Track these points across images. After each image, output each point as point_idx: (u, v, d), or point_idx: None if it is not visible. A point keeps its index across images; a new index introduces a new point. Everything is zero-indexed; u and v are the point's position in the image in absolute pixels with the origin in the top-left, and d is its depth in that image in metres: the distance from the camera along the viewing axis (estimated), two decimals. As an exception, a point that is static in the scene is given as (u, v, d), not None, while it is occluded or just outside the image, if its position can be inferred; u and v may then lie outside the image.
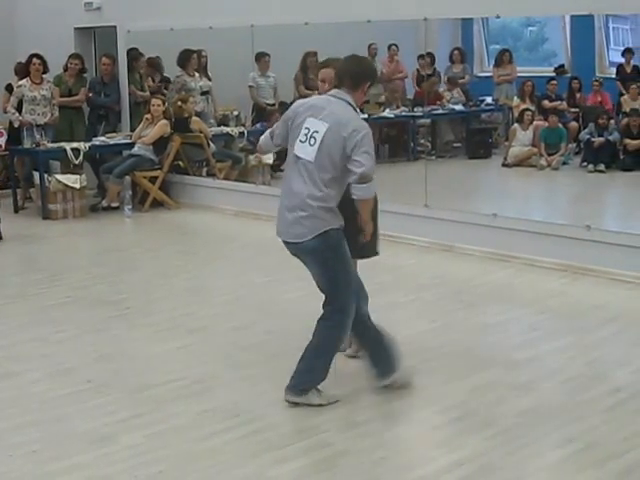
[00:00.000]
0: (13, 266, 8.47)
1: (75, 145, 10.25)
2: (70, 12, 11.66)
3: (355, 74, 4.64)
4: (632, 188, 10.27)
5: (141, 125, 10.55)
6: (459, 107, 12.11)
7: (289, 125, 4.68)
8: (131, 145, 10.53)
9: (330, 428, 4.47)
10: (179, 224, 10.03)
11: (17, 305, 6.84)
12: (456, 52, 12.15)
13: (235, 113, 11.55)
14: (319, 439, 4.35)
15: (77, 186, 10.12)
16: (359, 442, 4.32)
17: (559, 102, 11.82)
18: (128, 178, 10.30)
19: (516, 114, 11.64)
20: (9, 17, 12.52)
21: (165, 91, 11.32)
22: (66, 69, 10.93)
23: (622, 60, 11.63)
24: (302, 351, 4.73)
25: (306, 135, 4.55)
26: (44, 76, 10.48)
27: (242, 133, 11.08)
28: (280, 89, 11.14)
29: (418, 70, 11.86)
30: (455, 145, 12.34)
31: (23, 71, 10.58)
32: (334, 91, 4.67)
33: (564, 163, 11.14)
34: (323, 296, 4.72)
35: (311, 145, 4.52)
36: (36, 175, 10.15)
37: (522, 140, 11.27)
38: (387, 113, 11.65)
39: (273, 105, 11.02)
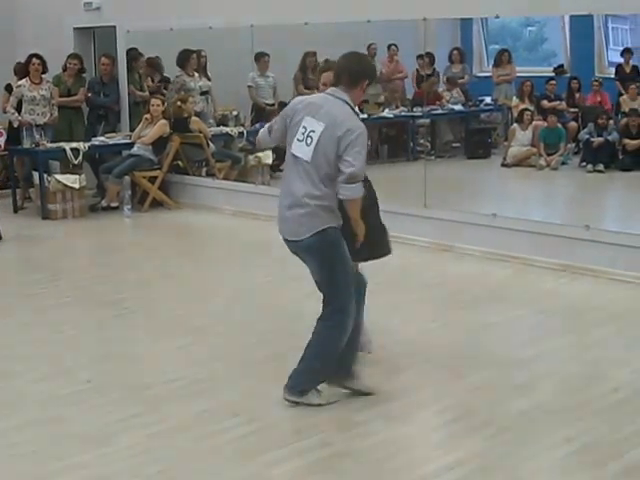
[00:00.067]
0: (13, 266, 8.47)
1: (74, 145, 10.25)
2: (69, 12, 11.67)
3: (353, 72, 4.59)
4: (631, 188, 10.27)
5: (140, 125, 10.55)
6: (458, 107, 12.10)
7: (287, 122, 4.67)
8: (130, 145, 10.53)
9: (329, 428, 4.47)
10: (178, 224, 10.03)
11: (17, 305, 6.84)
12: (455, 52, 12.14)
13: (234, 113, 11.55)
14: (319, 439, 4.35)
15: (76, 186, 10.12)
16: (359, 442, 4.32)
17: (558, 102, 11.81)
18: (127, 178, 10.30)
19: (515, 114, 11.63)
20: (9, 17, 12.52)
21: (164, 91, 11.32)
22: (65, 69, 10.94)
23: (621, 60, 11.62)
24: (302, 351, 4.73)
25: (303, 134, 4.54)
26: (43, 76, 10.48)
27: (241, 133, 11.07)
28: (279, 89, 11.13)
29: (417, 70, 11.85)
30: (454, 145, 12.33)
31: (22, 71, 10.59)
32: (332, 89, 4.64)
33: (563, 163, 11.14)
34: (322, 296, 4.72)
35: (308, 145, 4.51)
36: (35, 175, 10.15)
37: (521, 140, 11.26)
38: (386, 113, 11.64)
39: (272, 105, 11.01)
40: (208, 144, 10.68)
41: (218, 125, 11.37)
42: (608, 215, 9.51)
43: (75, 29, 11.80)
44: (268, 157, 10.84)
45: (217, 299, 6.88)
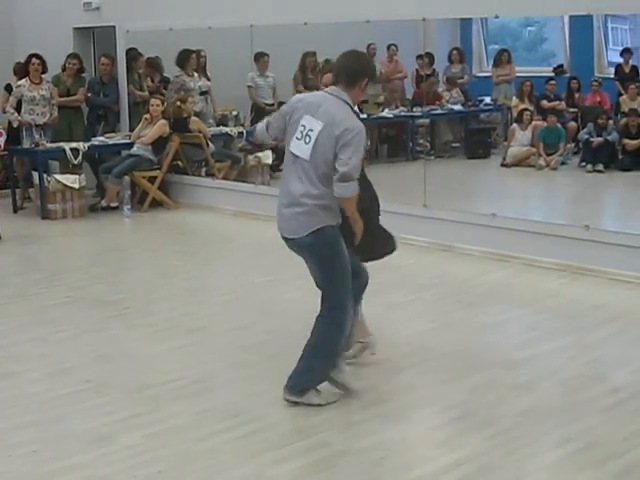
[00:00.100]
0: (12, 266, 8.46)
1: (74, 145, 10.25)
2: (69, 12, 11.67)
3: (352, 71, 4.58)
4: (631, 188, 10.27)
5: (140, 125, 10.55)
6: (458, 107, 12.10)
7: (287, 120, 4.66)
8: (130, 145, 10.53)
9: (329, 428, 4.47)
10: (178, 224, 10.03)
11: (16, 305, 6.84)
12: (455, 52, 12.14)
13: (234, 113, 11.55)
14: (318, 439, 4.35)
15: (76, 186, 10.12)
16: (358, 442, 4.32)
17: (558, 102, 11.81)
18: (127, 178, 10.30)
19: (515, 114, 11.63)
20: (8, 17, 12.53)
21: (164, 91, 11.32)
22: (64, 69, 10.94)
23: (621, 60, 11.62)
24: (302, 351, 4.73)
25: (302, 133, 4.53)
26: (43, 76, 10.48)
27: (241, 133, 11.07)
28: (279, 89, 11.13)
29: (417, 70, 11.85)
30: (454, 145, 12.33)
31: (22, 71, 10.58)
32: (331, 88, 4.63)
33: (563, 163, 11.14)
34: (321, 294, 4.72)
35: (306, 143, 4.51)
36: (35, 175, 10.15)
37: (521, 140, 11.26)
38: (386, 113, 11.64)
39: (272, 105, 10.99)
40: (208, 144, 10.68)
41: (218, 125, 11.37)
42: (608, 215, 9.51)
43: (75, 29, 11.80)
44: (268, 157, 10.84)
45: (217, 299, 6.88)
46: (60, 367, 5.40)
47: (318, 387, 4.73)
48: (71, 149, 10.16)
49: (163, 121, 10.35)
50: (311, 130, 4.50)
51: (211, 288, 7.24)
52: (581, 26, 11.29)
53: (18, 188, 10.80)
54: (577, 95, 11.85)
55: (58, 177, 10.06)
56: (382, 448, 4.24)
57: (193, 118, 10.66)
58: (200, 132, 10.60)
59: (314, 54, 10.68)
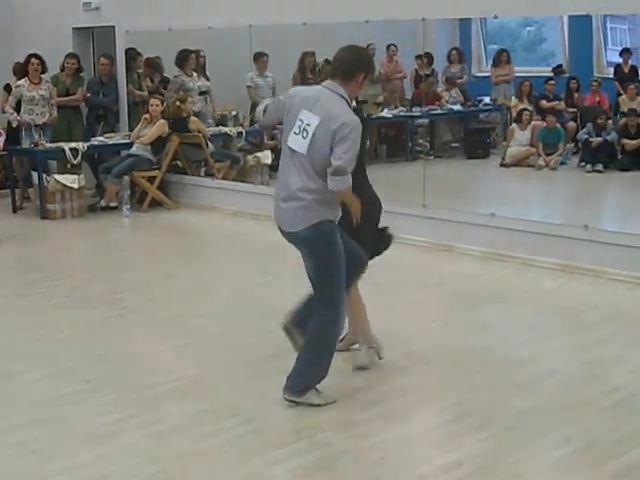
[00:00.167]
0: (12, 266, 8.46)
1: (73, 145, 10.24)
2: (68, 12, 11.66)
3: (348, 64, 4.56)
4: (630, 188, 10.28)
5: (139, 125, 10.54)
6: (457, 107, 12.10)
7: (284, 114, 4.66)
8: (129, 145, 10.53)
9: (329, 428, 4.47)
10: (177, 224, 10.03)
11: (16, 305, 6.85)
12: (454, 52, 12.14)
13: (233, 113, 11.54)
14: (318, 439, 4.36)
15: (75, 186, 10.11)
16: (358, 442, 4.32)
17: (557, 102, 11.81)
18: (126, 178, 10.30)
19: (514, 114, 11.64)
20: (7, 17, 12.51)
21: (163, 91, 11.32)
22: (63, 69, 10.94)
23: (620, 60, 11.63)
24: (301, 351, 4.74)
25: (300, 127, 4.54)
26: (42, 76, 10.48)
27: (240, 133, 11.08)
28: (278, 89, 11.11)
29: (416, 70, 11.85)
30: (453, 145, 12.34)
31: (21, 71, 10.58)
32: (327, 82, 4.61)
33: (562, 163, 11.14)
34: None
35: (304, 138, 4.52)
36: (34, 175, 10.15)
37: (520, 140, 11.27)
38: (385, 113, 11.64)
39: (272, 105, 11.00)
40: (207, 144, 10.68)
41: (217, 125, 11.37)
42: (607, 215, 9.52)
43: (74, 29, 11.80)
44: (267, 157, 10.85)
45: (217, 299, 6.88)
46: (60, 367, 5.40)
47: (318, 387, 4.73)
48: (70, 149, 10.15)
49: (162, 121, 10.35)
50: (308, 125, 4.51)
51: (210, 288, 7.24)
52: (580, 26, 11.29)
53: (17, 188, 10.79)
54: (576, 95, 11.86)
55: (57, 177, 10.05)
56: (382, 448, 4.25)
57: (192, 118, 10.66)
58: (199, 132, 10.60)
59: (313, 54, 10.68)
